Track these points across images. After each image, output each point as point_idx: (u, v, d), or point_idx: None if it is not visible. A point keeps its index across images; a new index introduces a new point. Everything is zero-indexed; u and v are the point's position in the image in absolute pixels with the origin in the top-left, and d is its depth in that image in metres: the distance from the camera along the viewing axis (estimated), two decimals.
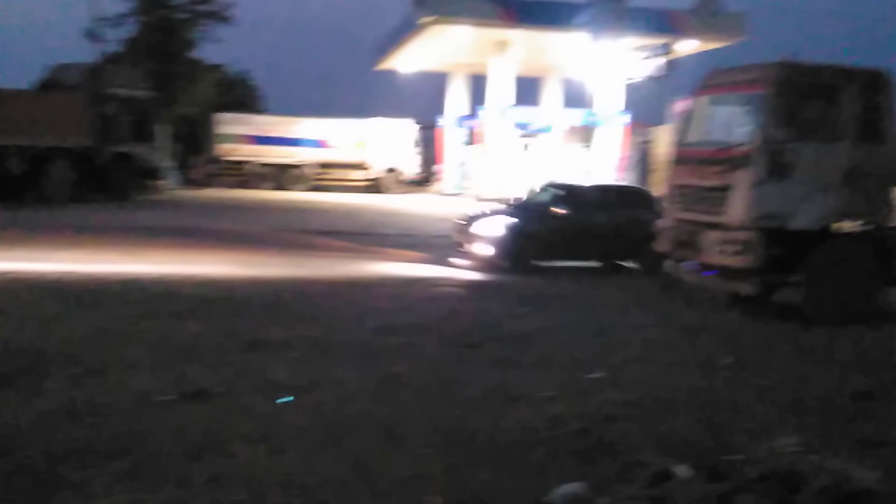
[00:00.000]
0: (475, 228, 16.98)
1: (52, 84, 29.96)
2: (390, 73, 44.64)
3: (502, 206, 18.48)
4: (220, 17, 43.34)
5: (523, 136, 37.96)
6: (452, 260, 16.80)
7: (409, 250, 18.14)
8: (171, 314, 10.40)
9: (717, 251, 11.82)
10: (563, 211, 16.94)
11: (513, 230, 16.63)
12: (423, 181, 42.61)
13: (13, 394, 6.89)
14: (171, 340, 8.94)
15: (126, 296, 11.79)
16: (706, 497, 5.05)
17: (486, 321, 10.84)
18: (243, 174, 40.42)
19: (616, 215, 17.12)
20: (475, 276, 15.61)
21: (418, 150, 42.13)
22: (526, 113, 38.58)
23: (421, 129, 42.38)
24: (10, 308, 10.52)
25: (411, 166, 41.82)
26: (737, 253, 11.54)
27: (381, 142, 41.20)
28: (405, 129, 41.74)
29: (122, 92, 29.62)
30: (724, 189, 11.71)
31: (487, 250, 16.56)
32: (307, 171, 40.49)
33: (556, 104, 41.10)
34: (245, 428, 6.22)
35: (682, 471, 5.37)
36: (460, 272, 15.87)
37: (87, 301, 11.27)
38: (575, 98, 40.30)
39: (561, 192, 17.76)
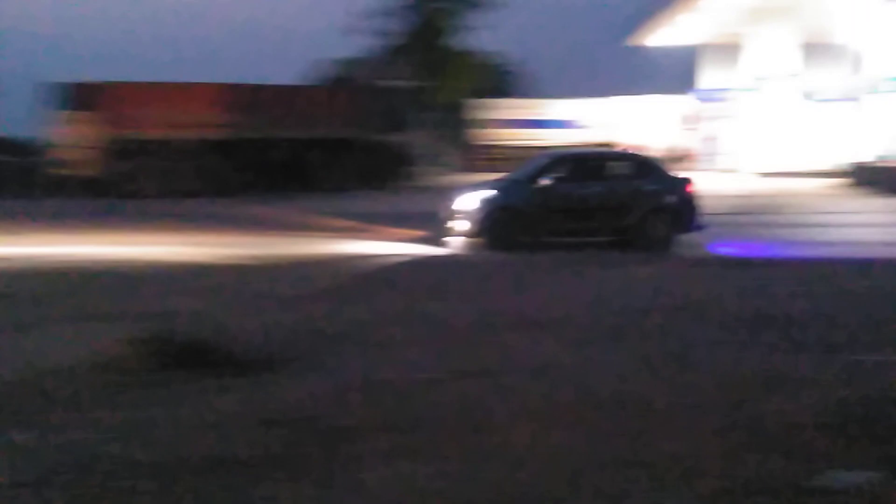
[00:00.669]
0: (456, 204, 15.81)
1: (316, 78, 31.64)
2: (645, 49, 43.79)
3: (492, 180, 17.23)
4: (480, 4, 44.00)
5: (798, 106, 36.19)
6: (445, 239, 15.86)
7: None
8: (435, 295, 10.81)
9: None
10: (548, 182, 15.52)
11: (489, 204, 15.38)
12: (682, 158, 41.54)
13: (295, 371, 7.32)
14: (441, 320, 9.25)
15: (394, 277, 12.29)
16: None
17: (741, 300, 10.48)
18: (499, 158, 40.96)
19: (611, 186, 15.51)
20: (442, 252, 15.03)
21: (681, 126, 41.12)
22: (798, 82, 36.73)
23: (678, 104, 41.39)
24: (289, 294, 11.21)
25: (668, 143, 40.92)
26: None
27: (636, 119, 40.57)
28: (664, 106, 40.87)
29: (384, 83, 30.83)
30: None
31: (465, 226, 15.48)
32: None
33: (834, 70, 38.79)
34: (512, 406, 6.31)
35: None
36: (437, 250, 15.22)
37: (362, 283, 11.86)
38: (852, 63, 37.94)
39: (546, 162, 16.13)
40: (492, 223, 15.26)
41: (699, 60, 42.59)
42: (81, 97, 27.39)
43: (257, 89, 29.66)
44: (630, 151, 17.22)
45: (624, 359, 7.67)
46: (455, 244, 15.75)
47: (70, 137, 27.63)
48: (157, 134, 27.13)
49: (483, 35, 46.01)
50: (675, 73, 43.71)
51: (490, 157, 40.98)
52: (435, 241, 15.97)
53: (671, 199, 15.67)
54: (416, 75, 33.05)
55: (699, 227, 15.73)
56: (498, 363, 7.52)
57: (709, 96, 41.26)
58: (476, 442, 5.61)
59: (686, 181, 16.09)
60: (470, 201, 15.58)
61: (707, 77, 41.95)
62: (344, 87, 30.61)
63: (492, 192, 15.73)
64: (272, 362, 7.44)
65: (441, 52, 42.94)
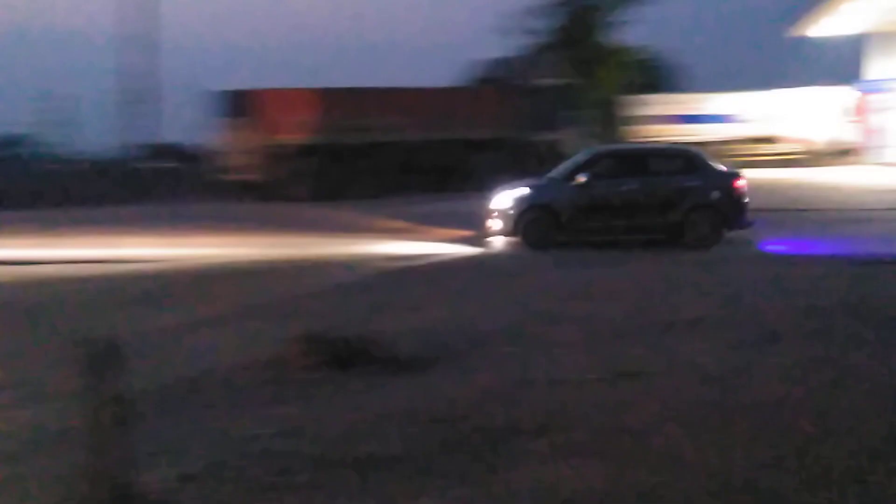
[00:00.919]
0: (493, 203, 15.45)
1: (468, 79, 31.83)
2: (807, 39, 42.24)
3: (529, 178, 16.71)
4: None
5: None
6: (488, 238, 15.61)
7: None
8: (592, 294, 10.73)
9: None
10: (584, 179, 14.86)
11: (523, 203, 15.01)
12: (849, 151, 39.85)
13: (449, 370, 7.41)
14: (597, 320, 9.18)
15: (543, 275, 12.22)
16: None
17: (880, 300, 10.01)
18: None
19: (651, 182, 14.90)
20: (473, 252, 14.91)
21: (847, 119, 39.45)
22: None
23: (842, 96, 39.76)
24: (448, 289, 11.27)
25: (835, 136, 39.30)
26: None
27: (798, 113, 39.16)
28: (828, 98, 39.31)
29: (537, 82, 30.77)
30: None
31: (500, 225, 15.16)
32: (717, 147, 39.45)
33: None
34: (667, 408, 6.22)
35: None
36: (469, 250, 15.12)
37: (497, 281, 11.99)
38: None
39: (585, 159, 15.56)
40: (525, 222, 15.07)
41: (865, 50, 40.83)
42: (242, 104, 28.30)
43: (411, 92, 30.06)
44: (675, 146, 16.60)
45: (779, 360, 7.45)
46: (495, 244, 15.70)
47: (232, 143, 28.59)
48: (313, 139, 27.78)
49: (636, 29, 45.36)
50: (839, 64, 42.05)
51: None
52: (477, 240, 15.93)
53: (716, 195, 15.13)
54: (568, 73, 32.79)
55: (746, 224, 15.23)
56: (651, 364, 7.42)
57: (876, 87, 39.44)
58: (631, 444, 5.56)
59: (734, 176, 15.52)
60: (505, 200, 15.40)
61: (874, 67, 40.15)
62: (496, 87, 30.68)
63: (526, 191, 15.51)
64: (427, 361, 7.55)
65: (593, 48, 42.48)
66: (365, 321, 9.05)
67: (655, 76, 50.25)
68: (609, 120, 41.26)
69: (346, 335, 7.69)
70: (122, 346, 4.77)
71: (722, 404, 6.28)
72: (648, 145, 17.65)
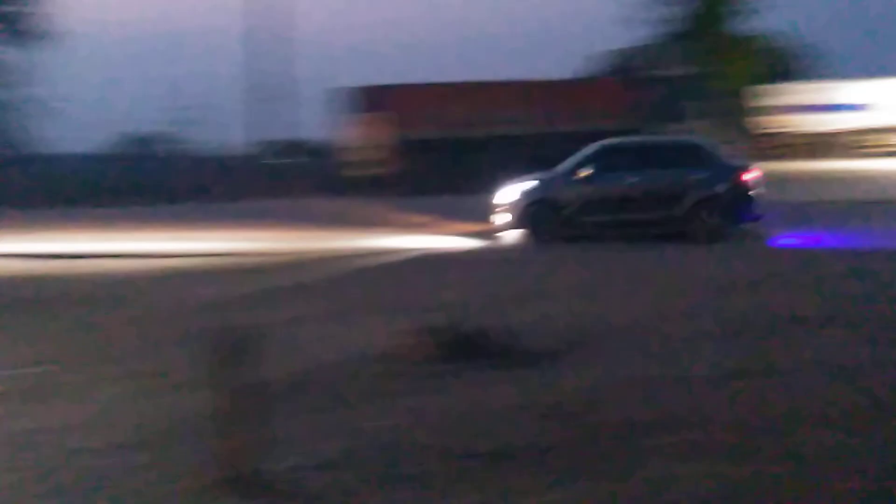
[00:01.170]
0: (498, 197, 15.30)
1: (596, 70, 31.58)
2: None
3: (535, 172, 16.32)
4: None
5: None
6: (497, 232, 15.46)
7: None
8: (717, 288, 10.58)
9: None
10: (589, 173, 14.68)
11: (527, 197, 14.92)
12: None
13: (568, 364, 7.41)
14: (724, 315, 9.04)
15: (658, 271, 12.18)
16: None
17: None
18: (787, 146, 39.08)
19: (656, 176, 14.62)
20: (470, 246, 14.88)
21: None
22: None
23: None
24: (556, 287, 11.21)
25: None
26: None
27: None
28: None
29: (662, 73, 30.38)
30: None
31: (505, 219, 15.06)
32: (848, 137, 38.09)
33: None
34: (799, 406, 6.08)
35: None
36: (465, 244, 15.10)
37: (633, 275, 11.92)
38: None
39: (590, 152, 15.32)
40: (529, 216, 15.09)
41: None
42: (369, 100, 28.73)
43: (536, 85, 30.01)
44: (683, 138, 16.39)
45: None
46: (506, 238, 15.63)
47: (360, 139, 29.04)
48: (440, 133, 27.98)
49: (767, 16, 44.13)
50: None
51: (777, 145, 39.16)
52: (486, 234, 15.92)
53: (721, 187, 14.83)
54: (696, 63, 32.20)
55: (754, 218, 14.85)
56: (781, 361, 7.25)
57: None
58: (758, 443, 5.45)
59: (742, 168, 15.19)
60: (510, 194, 15.42)
61: None
62: (621, 78, 30.40)
63: (531, 185, 15.50)
64: (545, 355, 7.56)
65: (721, 37, 41.52)
66: (485, 313, 9.05)
67: (787, 65, 48.76)
68: (737, 111, 40.28)
69: (469, 327, 7.72)
70: (255, 337, 4.91)
71: (858, 402, 6.13)
72: (656, 138, 17.55)
